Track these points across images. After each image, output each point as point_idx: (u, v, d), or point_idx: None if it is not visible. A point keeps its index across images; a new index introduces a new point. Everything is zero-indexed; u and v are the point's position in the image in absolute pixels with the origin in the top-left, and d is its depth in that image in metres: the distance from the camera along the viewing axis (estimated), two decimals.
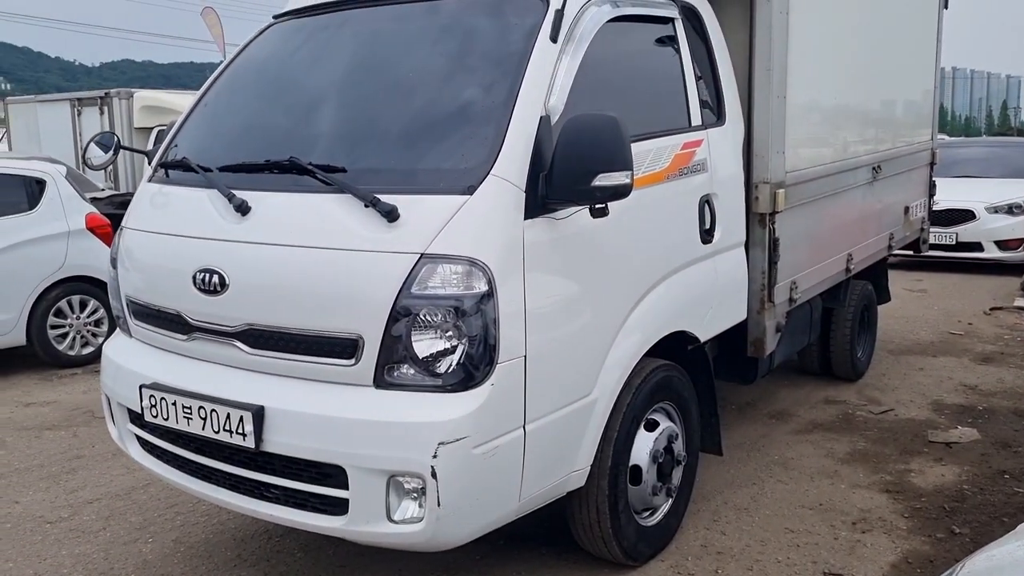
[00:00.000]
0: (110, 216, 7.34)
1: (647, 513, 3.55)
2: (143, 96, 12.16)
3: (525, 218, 2.75)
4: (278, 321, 2.81)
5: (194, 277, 2.95)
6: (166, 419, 3.01)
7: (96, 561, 3.67)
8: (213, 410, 2.85)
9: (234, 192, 2.94)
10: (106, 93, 12.17)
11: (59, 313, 6.91)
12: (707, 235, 3.68)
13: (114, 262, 3.45)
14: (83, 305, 7.05)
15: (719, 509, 4.06)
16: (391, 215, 2.65)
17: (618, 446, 3.24)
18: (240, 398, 2.81)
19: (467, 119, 2.89)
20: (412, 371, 2.66)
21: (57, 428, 5.47)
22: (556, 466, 2.99)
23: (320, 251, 2.75)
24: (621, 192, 2.75)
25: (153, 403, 3.03)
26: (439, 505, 2.60)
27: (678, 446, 3.62)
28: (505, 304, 2.66)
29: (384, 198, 2.69)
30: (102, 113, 12.11)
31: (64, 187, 7.02)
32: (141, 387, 3.06)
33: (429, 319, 2.62)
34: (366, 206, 2.70)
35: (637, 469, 3.39)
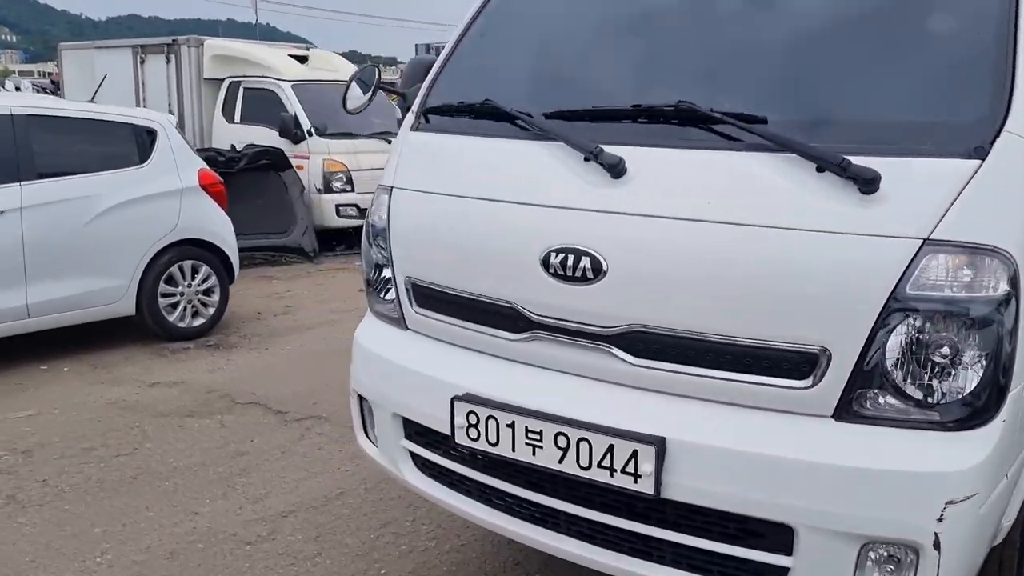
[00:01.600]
0: None
1: None
2: (214, 44, 11.31)
3: None
4: (688, 324, 2.07)
5: (546, 259, 2.21)
6: (493, 444, 2.29)
7: None
8: (582, 439, 2.13)
9: (602, 147, 2.20)
10: (174, 40, 11.31)
11: (169, 280, 6.18)
12: None
13: (378, 233, 2.72)
14: (194, 271, 6.32)
15: None
16: (870, 184, 1.91)
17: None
18: (629, 426, 2.09)
19: (943, 52, 2.12)
20: (894, 400, 1.93)
21: (199, 416, 4.76)
22: (1003, 520, 2.28)
23: (756, 230, 2.00)
24: None
25: (474, 422, 2.31)
26: None
27: None
28: None
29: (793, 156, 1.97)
30: (168, 62, 11.27)
31: (175, 139, 6.27)
32: (454, 400, 2.34)
33: (930, 329, 1.89)
34: (819, 170, 1.96)
35: None
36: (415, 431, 2.58)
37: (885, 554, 1.94)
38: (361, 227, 2.94)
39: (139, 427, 4.58)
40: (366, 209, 3.09)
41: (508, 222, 2.33)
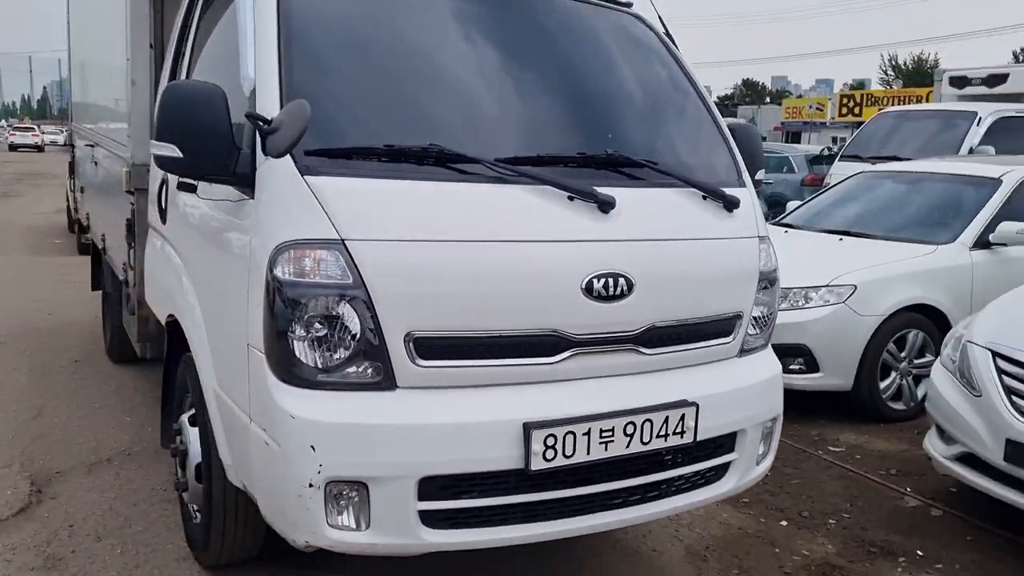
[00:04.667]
0: None
1: None
2: None
3: None
4: (678, 315, 2.84)
5: (588, 285, 2.61)
6: (569, 456, 2.57)
7: None
8: (646, 420, 2.68)
9: (595, 188, 2.69)
10: None
11: None
12: None
13: (335, 294, 2.40)
14: None
15: None
16: (736, 206, 3.04)
17: None
18: (668, 399, 2.75)
19: (689, 121, 3.31)
20: (752, 336, 3.14)
21: None
22: None
23: (696, 242, 2.92)
24: None
25: (551, 443, 2.53)
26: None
27: None
28: None
29: (688, 189, 3.00)
30: None
31: None
32: (531, 429, 2.49)
33: (765, 289, 3.16)
34: (704, 198, 3.00)
35: None
36: (440, 487, 2.50)
37: (764, 431, 3.16)
38: None
39: None
40: None
41: (544, 258, 2.60)
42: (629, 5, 3.57)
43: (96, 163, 5.46)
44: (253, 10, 2.80)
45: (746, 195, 3.16)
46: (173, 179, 3.42)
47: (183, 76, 3.56)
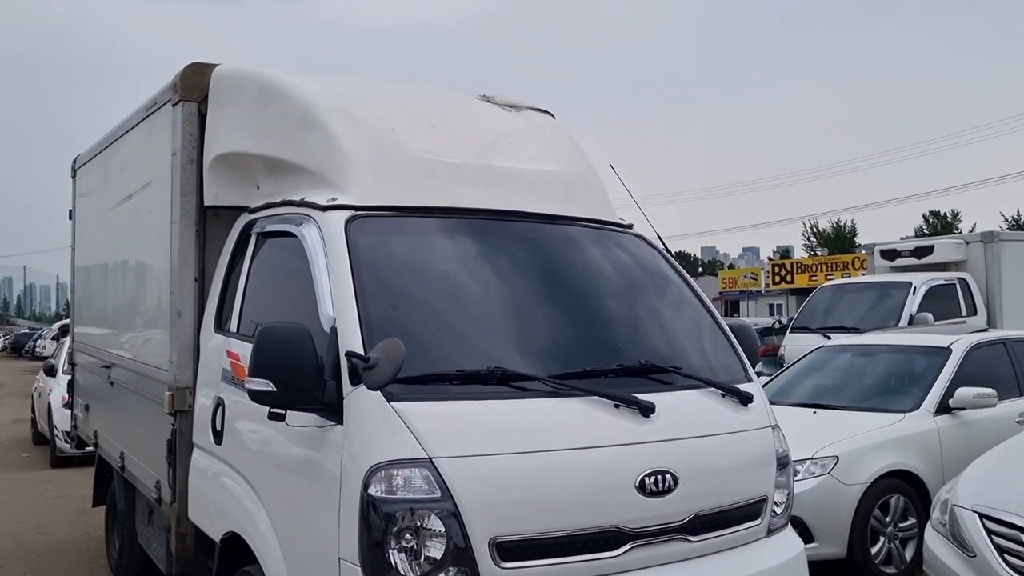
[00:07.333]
0: None
1: None
2: None
3: None
4: (717, 502, 3.17)
5: (641, 483, 2.94)
6: None
7: None
8: None
9: (636, 396, 3.07)
10: None
11: None
12: None
13: (426, 509, 2.68)
14: None
15: None
16: (750, 401, 3.45)
17: None
18: None
19: (698, 326, 3.77)
20: (775, 516, 3.47)
21: None
22: None
23: (725, 436, 3.29)
24: None
25: None
26: None
27: None
28: None
29: (709, 389, 3.42)
30: None
31: None
32: None
33: (784, 470, 3.52)
34: (723, 396, 3.41)
35: None
36: None
37: None
38: None
39: None
40: None
41: (601, 462, 2.94)
42: (631, 226, 4.11)
43: (112, 383, 5.68)
44: (324, 254, 3.22)
45: (755, 388, 3.58)
46: (230, 403, 3.71)
47: (236, 309, 3.91)
